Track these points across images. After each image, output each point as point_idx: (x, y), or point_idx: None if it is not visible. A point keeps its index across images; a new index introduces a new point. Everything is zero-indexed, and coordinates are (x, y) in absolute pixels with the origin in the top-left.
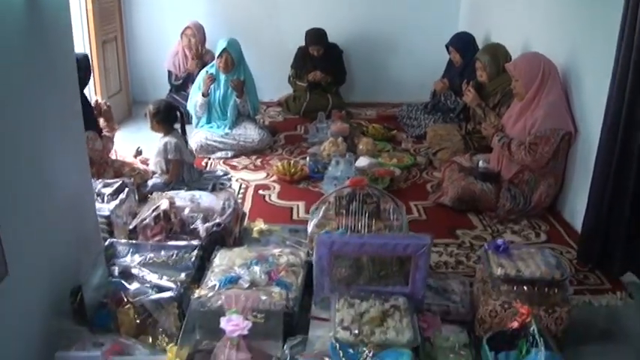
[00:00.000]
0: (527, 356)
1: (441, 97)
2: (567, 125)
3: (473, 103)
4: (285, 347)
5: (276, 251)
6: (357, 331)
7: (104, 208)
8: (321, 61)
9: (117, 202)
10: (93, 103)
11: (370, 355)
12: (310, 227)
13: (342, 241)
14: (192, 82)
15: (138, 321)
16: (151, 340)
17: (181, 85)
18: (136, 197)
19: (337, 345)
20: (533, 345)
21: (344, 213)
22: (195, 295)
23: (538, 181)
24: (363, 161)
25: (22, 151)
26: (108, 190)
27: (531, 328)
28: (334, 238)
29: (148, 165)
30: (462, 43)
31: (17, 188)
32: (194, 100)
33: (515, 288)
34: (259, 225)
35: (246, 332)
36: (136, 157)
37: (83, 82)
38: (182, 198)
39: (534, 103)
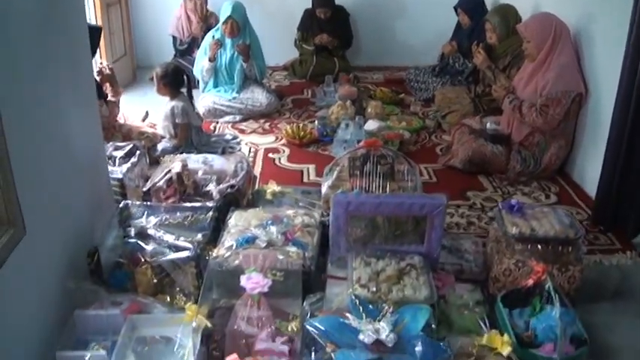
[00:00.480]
0: (541, 312)
1: (449, 59)
2: (579, 87)
3: (483, 66)
4: (304, 304)
5: (291, 212)
6: (374, 289)
7: (116, 171)
8: (328, 23)
9: (129, 165)
10: (96, 68)
11: (390, 310)
12: (324, 189)
13: (358, 201)
14: (198, 47)
15: (155, 281)
16: (168, 299)
17: (186, 49)
18: (147, 160)
19: (357, 301)
20: (547, 302)
21: (358, 174)
22: (213, 254)
23: (548, 143)
24: (372, 124)
25: (39, 116)
26: (119, 154)
27: (546, 286)
28: (350, 198)
29: (155, 129)
30: (471, 4)
31: (35, 151)
32: (200, 64)
33: (529, 247)
34: (272, 187)
35: (266, 289)
36: (143, 120)
37: (93, 51)
38: (195, 160)
39: (545, 65)
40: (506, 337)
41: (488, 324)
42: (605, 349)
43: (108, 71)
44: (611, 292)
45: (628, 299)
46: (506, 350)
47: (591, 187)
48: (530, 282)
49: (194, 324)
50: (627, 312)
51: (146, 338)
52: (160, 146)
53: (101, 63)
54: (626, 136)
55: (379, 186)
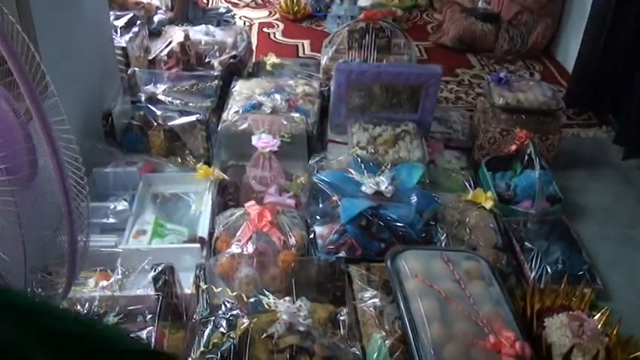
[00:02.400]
0: (521, 174)
1: None
2: None
3: None
4: (310, 161)
5: (292, 82)
6: (372, 151)
7: (119, 40)
8: None
9: (131, 34)
10: None
11: (388, 167)
12: (324, 60)
13: (359, 70)
14: None
15: (167, 143)
16: (179, 160)
17: None
18: (146, 31)
19: (358, 159)
20: (527, 167)
21: (356, 47)
22: (222, 118)
23: (536, 22)
24: (365, 1)
25: None
26: (119, 23)
27: (528, 151)
28: (352, 67)
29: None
30: None
31: (51, 15)
32: None
33: (514, 117)
34: (272, 59)
35: (276, 148)
36: None
37: None
38: (197, 31)
39: None
40: (489, 193)
41: (473, 184)
42: (576, 207)
43: None
44: (586, 161)
45: (600, 168)
46: (488, 204)
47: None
48: (514, 147)
49: (211, 177)
50: (599, 179)
51: (161, 195)
52: (155, 19)
53: None
54: (610, 14)
55: (376, 59)
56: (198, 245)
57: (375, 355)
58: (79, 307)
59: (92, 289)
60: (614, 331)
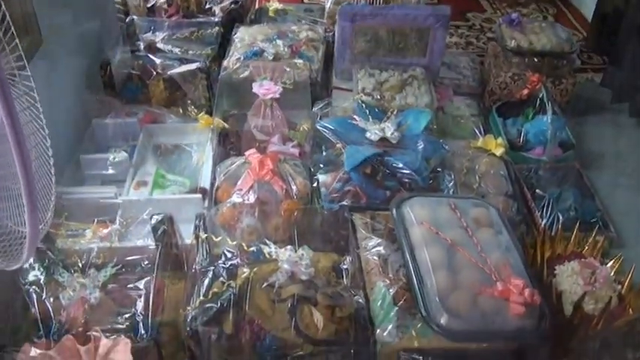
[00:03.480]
0: (533, 120)
1: None
2: None
3: None
4: (313, 108)
5: (295, 28)
6: (378, 97)
7: None
8: None
9: None
10: None
11: (394, 113)
12: (328, 4)
13: (364, 12)
14: None
15: (167, 93)
16: (180, 111)
17: None
18: None
19: (363, 105)
20: (539, 112)
21: None
22: (223, 66)
23: None
24: None
25: None
26: None
27: (540, 95)
28: (356, 9)
29: None
30: None
31: None
32: None
33: (526, 60)
34: (274, 4)
35: (277, 95)
36: None
37: None
38: None
39: None
40: (500, 140)
41: (482, 131)
42: (590, 154)
43: None
44: (600, 107)
45: (615, 114)
46: (499, 151)
47: (588, 10)
48: (525, 92)
49: (212, 126)
50: (613, 125)
51: (162, 146)
52: None
53: None
54: None
55: (383, 0)
56: (199, 196)
57: (378, 304)
58: (76, 258)
59: (90, 240)
60: (627, 279)
